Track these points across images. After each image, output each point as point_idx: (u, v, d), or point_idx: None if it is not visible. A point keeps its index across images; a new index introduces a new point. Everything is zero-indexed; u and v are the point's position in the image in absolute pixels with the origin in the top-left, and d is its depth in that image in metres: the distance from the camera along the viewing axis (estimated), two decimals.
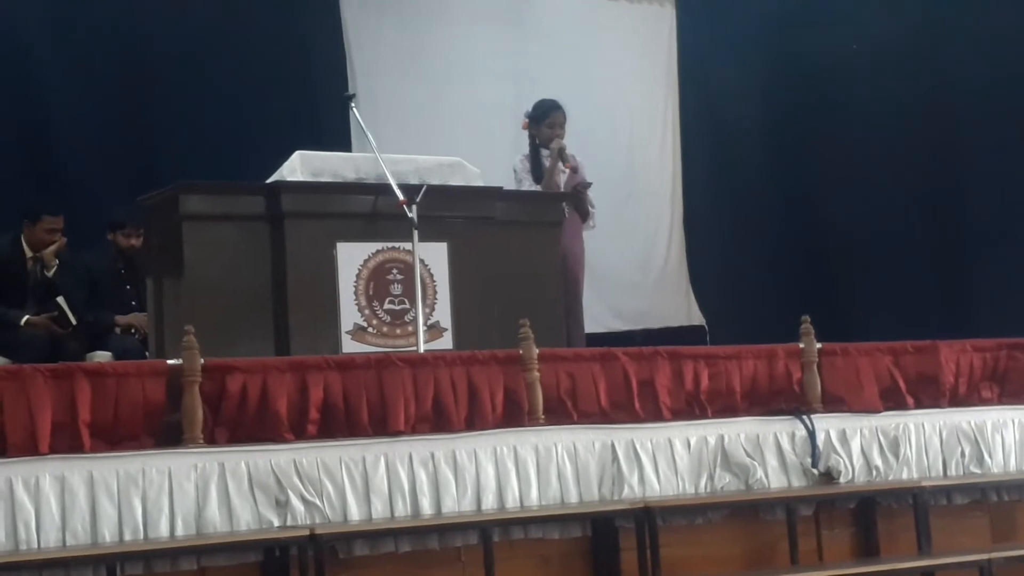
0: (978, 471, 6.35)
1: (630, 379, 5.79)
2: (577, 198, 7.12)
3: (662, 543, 5.35)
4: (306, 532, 4.78)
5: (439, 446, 5.25)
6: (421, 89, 9.41)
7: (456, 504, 5.21)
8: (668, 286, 10.28)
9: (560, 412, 5.63)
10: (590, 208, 7.23)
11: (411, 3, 9.58)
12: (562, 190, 7.08)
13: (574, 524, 5.45)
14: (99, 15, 8.51)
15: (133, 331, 7.47)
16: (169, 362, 5.05)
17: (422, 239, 5.84)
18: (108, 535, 4.65)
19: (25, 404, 4.72)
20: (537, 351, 5.54)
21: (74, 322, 7.31)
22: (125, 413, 4.89)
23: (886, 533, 6.05)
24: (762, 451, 5.89)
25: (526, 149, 7.32)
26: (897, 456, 6.17)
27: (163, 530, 4.73)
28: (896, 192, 9.89)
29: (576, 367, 5.72)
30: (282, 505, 4.92)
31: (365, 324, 5.98)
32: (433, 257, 6.10)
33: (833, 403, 6.18)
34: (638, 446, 5.62)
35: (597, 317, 8.83)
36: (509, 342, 5.62)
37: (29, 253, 7.45)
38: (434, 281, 6.14)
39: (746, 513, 5.80)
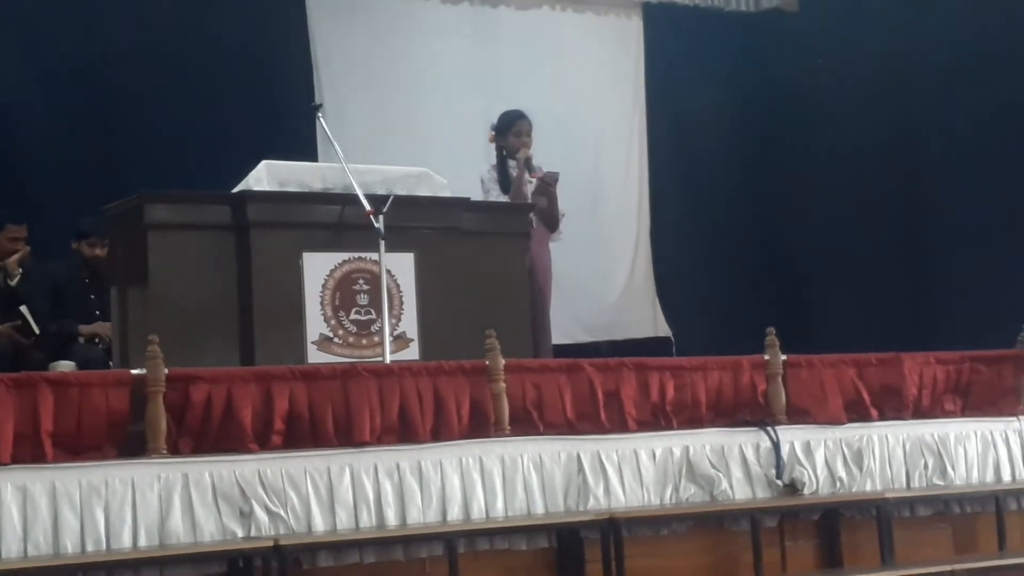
0: (941, 483, 6.38)
1: (596, 390, 5.80)
2: (548, 196, 7.12)
3: (627, 554, 5.35)
4: (270, 543, 4.75)
5: (405, 457, 5.23)
6: (388, 100, 9.42)
7: (421, 515, 5.20)
8: (635, 298, 10.30)
9: (526, 423, 5.62)
10: (559, 215, 7.23)
11: (378, 15, 9.58)
12: (530, 200, 7.09)
13: (539, 535, 5.45)
14: (64, 24, 8.47)
15: (97, 341, 7.44)
16: (133, 372, 5.02)
17: (389, 249, 5.83)
18: (70, 546, 4.61)
19: None
20: (503, 362, 5.53)
21: (37, 331, 7.28)
22: (88, 423, 4.86)
23: (849, 544, 6.08)
24: (727, 462, 5.91)
25: (494, 160, 7.32)
26: (861, 468, 6.20)
27: (126, 541, 4.69)
28: (863, 205, 9.96)
29: (542, 378, 5.73)
30: (246, 516, 4.90)
31: (331, 334, 5.97)
32: (400, 267, 6.10)
33: (797, 415, 6.21)
34: (604, 457, 5.62)
35: (564, 328, 8.83)
36: (475, 353, 5.61)
37: None
38: (400, 291, 6.13)
39: (711, 524, 5.82)
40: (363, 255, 6.03)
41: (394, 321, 6.02)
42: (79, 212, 7.65)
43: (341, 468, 5.10)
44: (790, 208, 10.55)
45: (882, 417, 6.40)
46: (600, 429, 5.75)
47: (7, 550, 4.52)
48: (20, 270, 7.40)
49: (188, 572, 4.77)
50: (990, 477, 6.53)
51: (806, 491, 5.97)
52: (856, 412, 6.36)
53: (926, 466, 6.38)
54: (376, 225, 5.77)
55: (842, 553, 6.05)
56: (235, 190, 6.06)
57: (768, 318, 6.49)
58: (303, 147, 8.04)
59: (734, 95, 10.63)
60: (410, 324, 6.14)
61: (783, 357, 6.19)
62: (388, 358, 5.68)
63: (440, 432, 5.39)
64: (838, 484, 6.14)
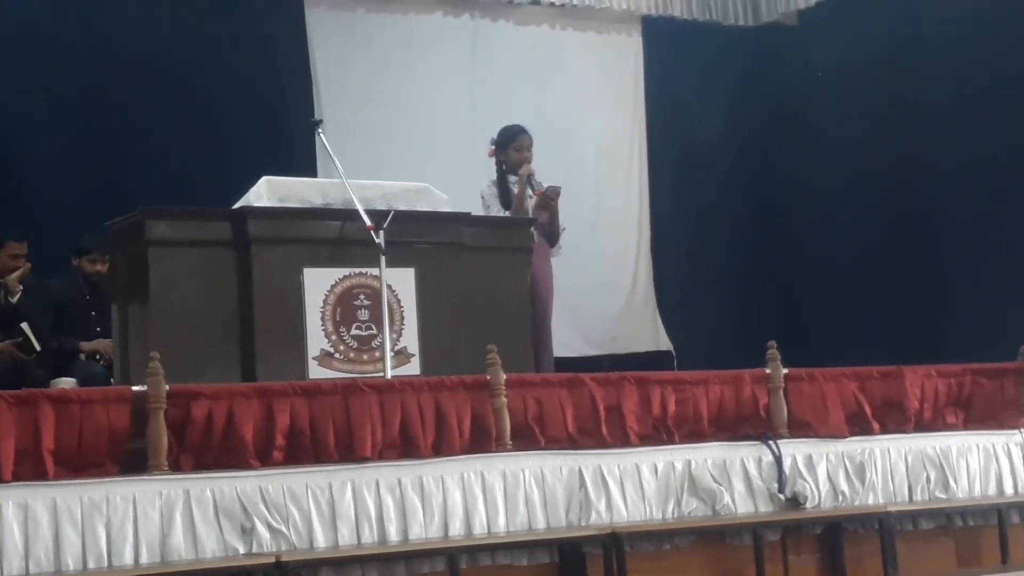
0: (943, 496, 6.37)
1: (597, 405, 5.79)
2: (549, 211, 7.10)
3: (629, 569, 5.35)
4: (272, 559, 4.75)
5: (406, 472, 5.23)
6: (388, 115, 9.43)
7: (423, 530, 5.19)
8: (635, 312, 10.31)
9: (527, 438, 5.61)
10: (559, 230, 7.22)
11: (377, 30, 9.61)
12: (531, 215, 7.08)
13: (541, 550, 5.43)
14: (66, 40, 8.50)
15: (98, 357, 7.44)
16: (134, 388, 5.00)
17: (389, 264, 5.83)
18: (72, 563, 4.60)
19: None
20: (504, 377, 5.53)
21: (38, 348, 7.27)
22: (89, 440, 4.85)
23: (852, 558, 6.06)
24: (729, 476, 5.90)
25: (493, 175, 7.32)
26: (863, 481, 6.19)
27: (127, 558, 4.68)
28: (863, 218, 9.96)
29: (543, 393, 5.72)
30: (248, 532, 4.89)
31: (332, 350, 5.97)
32: (400, 282, 6.10)
33: (799, 428, 6.20)
34: (605, 472, 5.62)
35: (566, 342, 8.84)
36: (477, 368, 5.61)
37: None
38: (401, 307, 6.13)
39: (713, 538, 5.80)
40: (364, 270, 6.04)
41: (395, 336, 6.02)
42: (80, 229, 7.66)
43: (343, 484, 5.09)
44: (791, 221, 10.56)
45: (884, 430, 6.40)
46: (602, 443, 5.74)
47: (8, 567, 4.51)
48: (21, 287, 7.40)
49: None
50: (992, 490, 6.52)
51: (808, 505, 5.97)
52: (858, 425, 6.35)
53: (928, 479, 6.37)
54: (377, 240, 5.78)
55: (845, 567, 6.04)
56: (236, 206, 6.07)
57: (769, 331, 6.49)
58: (303, 163, 8.06)
59: (734, 109, 10.66)
60: (411, 339, 6.13)
61: (784, 371, 6.19)
62: (389, 373, 5.68)
63: (441, 447, 5.38)
64: (840, 498, 6.13)
